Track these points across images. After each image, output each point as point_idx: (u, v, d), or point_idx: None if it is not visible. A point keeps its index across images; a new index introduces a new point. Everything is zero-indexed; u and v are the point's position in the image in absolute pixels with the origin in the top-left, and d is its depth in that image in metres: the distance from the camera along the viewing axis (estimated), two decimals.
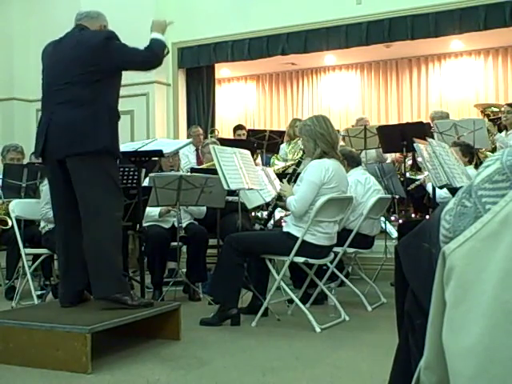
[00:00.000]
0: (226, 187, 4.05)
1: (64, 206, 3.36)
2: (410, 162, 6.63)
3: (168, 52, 3.61)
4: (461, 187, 0.89)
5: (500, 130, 6.79)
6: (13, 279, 4.99)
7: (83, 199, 3.25)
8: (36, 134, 3.40)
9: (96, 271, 3.20)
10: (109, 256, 3.24)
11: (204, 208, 5.13)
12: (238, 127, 8.30)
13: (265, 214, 5.47)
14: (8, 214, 4.79)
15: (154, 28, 3.58)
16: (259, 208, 5.53)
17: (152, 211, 4.85)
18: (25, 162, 6.08)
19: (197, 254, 4.90)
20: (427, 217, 5.93)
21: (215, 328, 3.74)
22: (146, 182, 4.75)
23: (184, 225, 4.90)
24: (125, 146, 3.96)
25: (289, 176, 4.33)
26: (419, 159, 5.75)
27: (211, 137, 7.89)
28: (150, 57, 3.48)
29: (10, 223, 4.78)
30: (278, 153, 7.30)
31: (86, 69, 3.25)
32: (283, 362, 2.99)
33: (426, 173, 4.67)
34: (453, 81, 9.98)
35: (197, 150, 7.36)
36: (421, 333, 0.93)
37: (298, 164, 4.41)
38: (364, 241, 4.51)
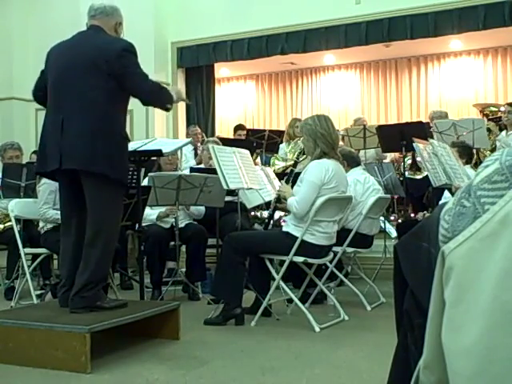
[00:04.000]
0: (225, 187, 4.05)
1: (73, 210, 3.31)
2: (409, 162, 6.63)
3: (170, 109, 3.53)
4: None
5: (500, 130, 6.79)
6: (12, 279, 4.99)
7: (93, 214, 3.21)
8: (42, 142, 3.29)
9: (85, 286, 3.15)
10: (102, 272, 3.25)
11: (203, 208, 5.13)
12: (239, 127, 8.30)
13: (264, 213, 5.47)
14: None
15: (172, 90, 3.57)
16: (258, 208, 5.54)
17: (150, 214, 4.86)
18: (23, 159, 6.07)
19: (196, 253, 4.90)
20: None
21: (214, 328, 3.74)
22: (145, 182, 4.75)
23: (182, 225, 4.91)
24: None
25: (286, 177, 4.32)
26: (419, 159, 5.75)
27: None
28: (154, 93, 3.36)
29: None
30: (277, 152, 7.30)
31: (99, 75, 3.15)
32: (282, 362, 2.99)
33: (426, 172, 4.68)
34: (452, 80, 9.98)
35: (195, 149, 7.36)
36: (420, 332, 0.93)
37: (295, 165, 4.41)
38: (363, 240, 4.51)
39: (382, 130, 6.31)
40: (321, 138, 3.86)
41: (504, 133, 6.42)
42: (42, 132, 3.33)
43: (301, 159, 4.48)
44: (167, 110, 3.52)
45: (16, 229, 4.51)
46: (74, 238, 3.30)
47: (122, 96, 3.28)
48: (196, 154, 7.25)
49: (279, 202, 4.05)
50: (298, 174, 4.05)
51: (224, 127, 11.00)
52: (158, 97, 3.42)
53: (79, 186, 3.23)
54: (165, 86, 3.54)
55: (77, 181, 3.24)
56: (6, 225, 5.14)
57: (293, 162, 4.61)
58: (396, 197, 6.15)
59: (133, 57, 3.26)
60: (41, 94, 3.39)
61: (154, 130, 8.17)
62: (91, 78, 3.17)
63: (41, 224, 4.77)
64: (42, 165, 3.31)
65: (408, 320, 1.04)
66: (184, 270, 4.93)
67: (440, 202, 4.48)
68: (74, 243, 3.28)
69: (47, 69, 3.37)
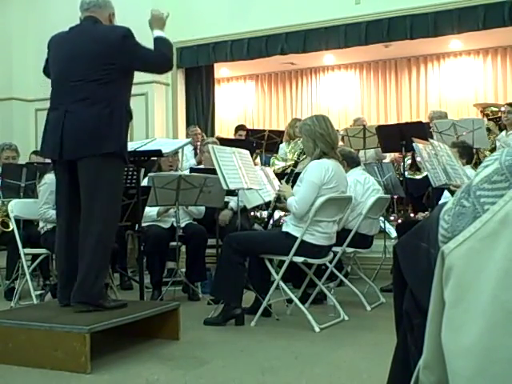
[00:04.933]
0: (225, 187, 4.05)
1: (68, 206, 3.33)
2: (409, 162, 6.63)
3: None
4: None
5: (500, 130, 6.79)
6: (12, 279, 4.99)
7: (87, 202, 3.22)
8: (45, 132, 3.33)
9: (86, 276, 3.16)
10: (102, 263, 3.25)
11: (203, 208, 5.13)
12: (240, 128, 8.30)
13: (264, 213, 5.47)
14: (8, 216, 4.79)
15: (154, 23, 3.54)
16: (258, 208, 5.54)
17: (150, 211, 4.85)
18: (21, 161, 6.07)
19: (196, 253, 4.90)
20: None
21: (214, 328, 3.74)
22: (145, 182, 4.75)
23: (183, 224, 4.91)
24: None
25: (287, 176, 4.32)
26: (418, 159, 5.75)
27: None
28: (161, 59, 3.46)
29: (11, 226, 4.76)
30: (277, 152, 7.30)
31: (103, 66, 3.22)
32: (282, 362, 2.99)
33: (426, 172, 4.67)
34: (452, 80, 9.98)
35: (195, 149, 7.37)
36: (419, 332, 0.93)
37: (296, 164, 4.41)
38: (363, 240, 4.51)
39: (382, 130, 6.31)
40: (320, 138, 3.86)
41: (504, 133, 6.42)
42: (45, 125, 3.36)
43: (302, 159, 4.48)
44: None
45: (16, 229, 4.51)
46: (66, 234, 3.32)
47: (123, 84, 3.34)
48: (196, 154, 7.26)
49: (279, 201, 4.05)
50: (299, 173, 4.05)
51: (224, 127, 11.00)
52: (165, 61, 3.50)
53: (75, 179, 3.26)
54: (159, 37, 3.51)
55: (73, 174, 3.26)
56: None
57: (293, 162, 4.61)
58: (396, 197, 6.15)
59: (133, 40, 3.34)
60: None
61: (153, 130, 8.17)
62: (92, 69, 3.23)
63: (41, 224, 4.77)
64: (44, 152, 3.44)
65: (408, 320, 1.04)
66: (184, 270, 4.93)
67: (440, 202, 4.48)
68: (68, 239, 3.30)
69: (49, 59, 3.46)
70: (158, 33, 3.51)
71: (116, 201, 3.35)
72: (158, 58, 3.44)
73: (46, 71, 3.55)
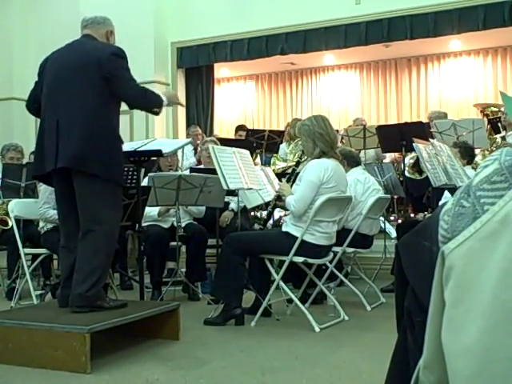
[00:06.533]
0: (225, 187, 4.05)
1: (70, 210, 3.33)
2: (411, 161, 6.62)
3: (158, 113, 3.56)
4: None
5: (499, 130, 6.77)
6: (12, 279, 4.99)
7: (85, 210, 3.23)
8: (41, 145, 3.30)
9: (84, 280, 3.16)
10: (101, 268, 3.25)
11: (203, 208, 5.13)
12: (240, 128, 8.29)
13: (264, 213, 5.48)
14: (8, 214, 4.79)
15: (165, 94, 3.61)
16: (258, 208, 5.54)
17: (151, 211, 4.86)
18: (24, 161, 6.07)
19: (196, 253, 4.90)
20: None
21: (214, 328, 3.74)
22: (145, 182, 4.75)
23: (183, 224, 4.91)
24: (124, 145, 3.96)
25: (288, 176, 4.33)
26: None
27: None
28: (140, 97, 3.40)
29: (10, 223, 4.77)
30: (277, 152, 7.30)
31: (92, 77, 3.22)
32: (282, 362, 2.99)
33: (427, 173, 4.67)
34: (452, 81, 9.99)
35: (195, 149, 7.36)
36: (420, 330, 0.93)
37: (297, 164, 4.41)
38: (363, 240, 4.51)
39: (382, 130, 6.30)
40: (319, 138, 3.86)
41: (504, 133, 6.41)
42: (38, 135, 3.36)
43: (303, 159, 4.48)
44: (154, 113, 3.56)
45: (16, 229, 4.51)
46: (73, 229, 3.31)
47: (113, 98, 3.33)
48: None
49: (279, 199, 4.05)
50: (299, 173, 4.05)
51: (224, 127, 11.00)
52: (143, 101, 3.46)
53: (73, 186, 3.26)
54: (156, 90, 3.56)
55: (71, 182, 3.26)
56: None
57: (294, 163, 4.60)
58: (396, 197, 6.14)
59: (121, 61, 3.33)
60: (36, 106, 3.46)
61: (153, 130, 8.17)
62: (83, 81, 3.24)
63: (41, 224, 4.77)
64: (40, 167, 3.34)
65: (408, 318, 1.04)
66: (184, 270, 4.93)
67: (440, 203, 4.49)
68: (74, 236, 3.30)
69: (42, 77, 3.44)
70: (161, 93, 3.56)
71: (116, 205, 3.35)
72: (136, 91, 3.37)
73: (31, 105, 3.52)
